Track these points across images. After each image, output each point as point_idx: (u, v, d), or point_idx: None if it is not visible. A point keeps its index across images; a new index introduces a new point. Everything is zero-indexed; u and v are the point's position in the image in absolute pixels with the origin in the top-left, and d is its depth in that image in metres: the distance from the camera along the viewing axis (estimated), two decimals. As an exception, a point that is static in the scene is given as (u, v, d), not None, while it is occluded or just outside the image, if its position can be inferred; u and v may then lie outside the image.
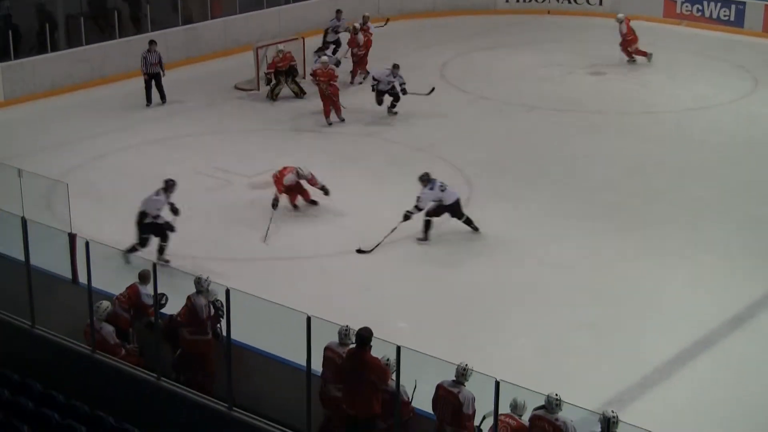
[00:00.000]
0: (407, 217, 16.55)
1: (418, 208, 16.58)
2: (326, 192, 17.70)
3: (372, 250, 16.39)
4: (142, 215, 15.83)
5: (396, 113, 22.48)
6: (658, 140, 21.33)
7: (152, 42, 23.19)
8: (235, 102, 23.95)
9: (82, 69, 24.71)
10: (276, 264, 16.06)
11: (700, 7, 30.38)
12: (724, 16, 30.08)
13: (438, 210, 16.80)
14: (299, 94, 23.89)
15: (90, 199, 17.71)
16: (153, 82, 23.34)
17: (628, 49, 26.64)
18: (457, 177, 19.21)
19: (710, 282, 15.63)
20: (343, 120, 22.28)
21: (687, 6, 30.59)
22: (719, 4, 30.13)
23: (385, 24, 26.76)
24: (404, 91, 22.38)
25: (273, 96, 23.79)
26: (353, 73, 25.03)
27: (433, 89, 22.83)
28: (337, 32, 26.39)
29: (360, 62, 25.01)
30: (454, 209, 16.85)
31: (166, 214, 15.94)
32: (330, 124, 22.21)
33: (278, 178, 17.59)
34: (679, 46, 28.50)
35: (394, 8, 30.87)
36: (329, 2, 29.78)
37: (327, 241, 16.77)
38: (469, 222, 16.92)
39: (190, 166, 19.79)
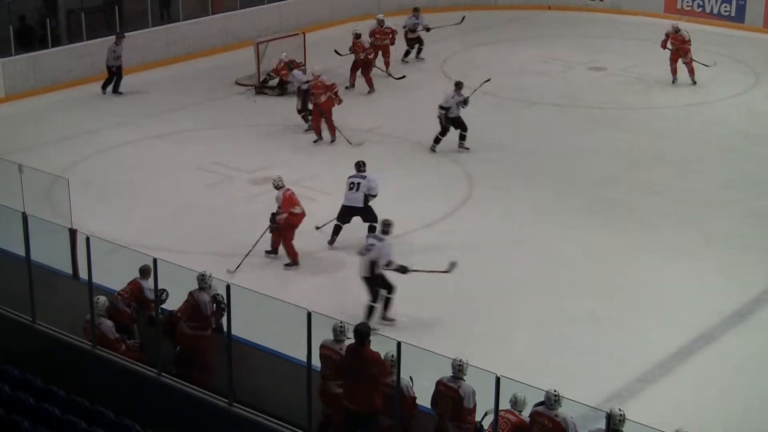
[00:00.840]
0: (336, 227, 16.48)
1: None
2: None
3: (320, 226, 16.62)
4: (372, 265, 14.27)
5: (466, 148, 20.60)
6: (659, 135, 21.33)
7: (120, 35, 23.46)
8: (236, 97, 23.96)
9: (83, 64, 24.70)
10: (276, 260, 16.04)
11: (701, 3, 30.33)
12: (725, 11, 30.04)
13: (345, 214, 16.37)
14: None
15: (91, 195, 17.73)
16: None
17: (683, 60, 24.34)
18: (458, 172, 19.24)
19: (711, 276, 15.63)
20: (332, 140, 20.86)
21: (688, 1, 30.55)
22: (720, 0, 30.11)
23: (461, 21, 26.01)
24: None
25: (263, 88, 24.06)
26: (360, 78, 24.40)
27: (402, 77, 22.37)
28: (414, 31, 26.11)
29: (365, 67, 24.28)
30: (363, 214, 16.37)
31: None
32: (315, 141, 20.90)
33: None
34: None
35: (394, 4, 30.81)
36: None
37: (327, 235, 16.74)
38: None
39: (191, 161, 19.80)
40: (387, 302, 14.29)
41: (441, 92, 20.89)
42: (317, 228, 16.67)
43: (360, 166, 16.71)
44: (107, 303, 12.01)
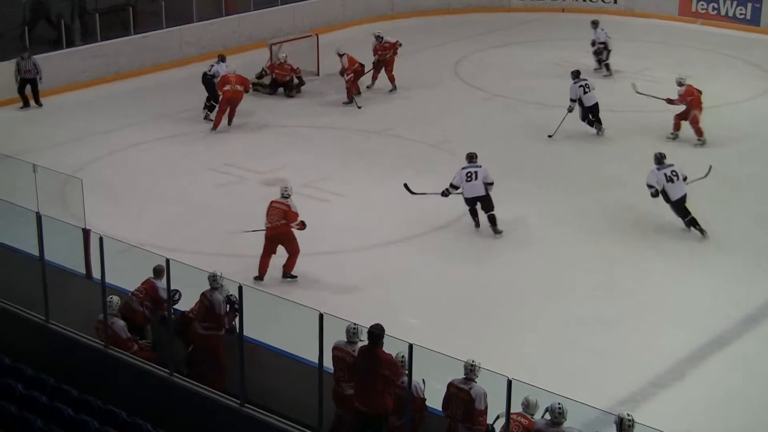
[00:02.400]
0: (444, 194, 17.15)
1: (453, 186, 17.05)
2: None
3: (415, 193, 17.37)
4: None
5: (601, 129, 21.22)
6: (671, 138, 21.26)
7: (26, 52, 22.74)
8: (249, 98, 23.94)
9: (97, 65, 24.77)
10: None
11: (716, 6, 30.25)
12: (740, 14, 29.95)
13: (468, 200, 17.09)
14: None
15: (104, 195, 17.77)
16: (29, 87, 22.82)
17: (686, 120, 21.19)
18: (470, 174, 19.22)
19: (723, 280, 15.59)
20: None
21: (702, 4, 30.47)
22: (735, 3, 30.01)
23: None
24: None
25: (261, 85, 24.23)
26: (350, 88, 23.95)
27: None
28: (594, 45, 25.69)
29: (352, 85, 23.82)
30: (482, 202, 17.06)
31: None
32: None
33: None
34: (694, 44, 28.40)
35: (408, 5, 30.86)
36: (342, -2, 29.92)
37: (339, 237, 16.77)
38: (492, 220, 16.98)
39: (203, 162, 19.84)
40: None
41: (455, 94, 20.91)
42: (410, 191, 17.46)
43: (472, 157, 17.21)
44: (120, 303, 12.05)
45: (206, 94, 22.37)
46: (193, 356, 12.08)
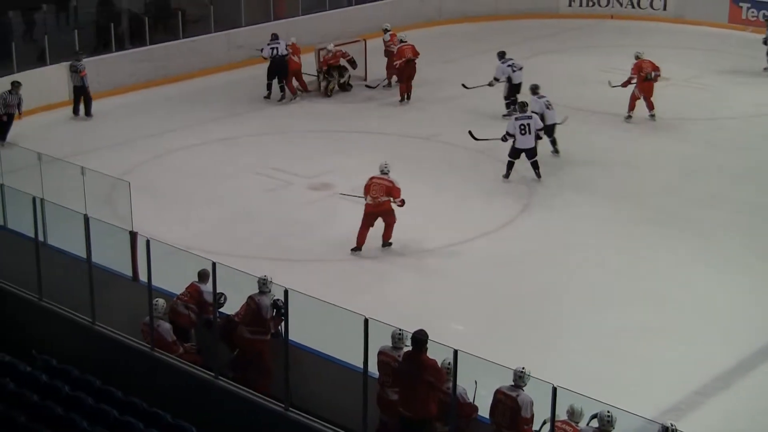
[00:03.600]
0: (504, 139, 18.90)
1: (509, 134, 18.77)
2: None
3: (479, 139, 19.47)
4: None
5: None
6: (719, 146, 21.09)
7: (16, 84, 21.06)
8: (295, 103, 24.04)
9: (145, 68, 24.96)
10: (333, 265, 16.09)
11: (767, 13, 29.95)
12: (792, 22, 29.65)
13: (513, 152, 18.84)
14: (345, 87, 24.55)
15: (151, 198, 17.88)
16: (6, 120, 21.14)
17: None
18: (515, 179, 19.15)
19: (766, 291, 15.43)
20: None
21: (753, 12, 30.19)
22: (786, 9, 29.77)
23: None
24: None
25: (327, 92, 24.33)
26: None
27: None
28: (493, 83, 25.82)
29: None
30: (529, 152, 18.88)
31: None
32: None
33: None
34: (743, 51, 28.12)
35: (456, 11, 30.83)
36: (391, 4, 29.90)
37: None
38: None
39: (250, 167, 19.92)
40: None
41: (498, 99, 20.79)
42: (474, 137, 19.55)
43: (524, 105, 18.99)
44: (166, 305, 12.12)
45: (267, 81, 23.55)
46: (238, 360, 12.12)
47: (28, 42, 24.22)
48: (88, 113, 22.87)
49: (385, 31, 25.28)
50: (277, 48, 23.62)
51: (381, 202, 15.99)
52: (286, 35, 24.52)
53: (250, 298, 11.99)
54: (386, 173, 16.21)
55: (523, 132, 18.51)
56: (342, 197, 17.90)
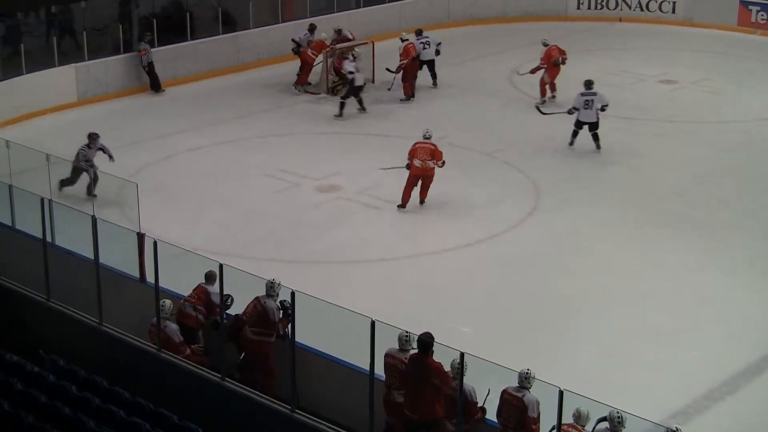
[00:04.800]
0: (570, 112, 20.82)
1: (575, 108, 20.58)
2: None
3: (547, 113, 21.31)
4: None
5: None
6: (729, 149, 21.05)
7: (93, 136, 18.69)
8: (303, 105, 24.07)
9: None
10: (341, 267, 16.10)
11: (778, 16, 29.98)
12: (801, 25, 29.66)
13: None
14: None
15: (159, 199, 17.90)
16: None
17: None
18: (524, 182, 19.15)
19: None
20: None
21: (762, 15, 30.13)
22: (796, 13, 29.73)
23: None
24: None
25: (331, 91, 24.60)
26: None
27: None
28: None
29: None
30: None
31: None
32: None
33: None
34: (752, 54, 28.10)
35: (465, 13, 30.81)
36: (399, 6, 29.89)
37: (392, 245, 16.77)
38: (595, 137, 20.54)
39: (258, 168, 19.93)
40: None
41: (508, 102, 20.88)
42: (541, 112, 21.26)
43: (590, 84, 20.61)
44: (173, 306, 12.13)
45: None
46: (244, 362, 12.12)
47: (36, 43, 24.23)
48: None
49: (402, 40, 25.04)
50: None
51: (428, 167, 17.75)
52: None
53: (257, 299, 11.98)
54: (429, 137, 18.09)
55: (586, 106, 20.33)
56: (382, 171, 19.02)
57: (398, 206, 17.89)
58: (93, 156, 18.44)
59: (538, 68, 23.78)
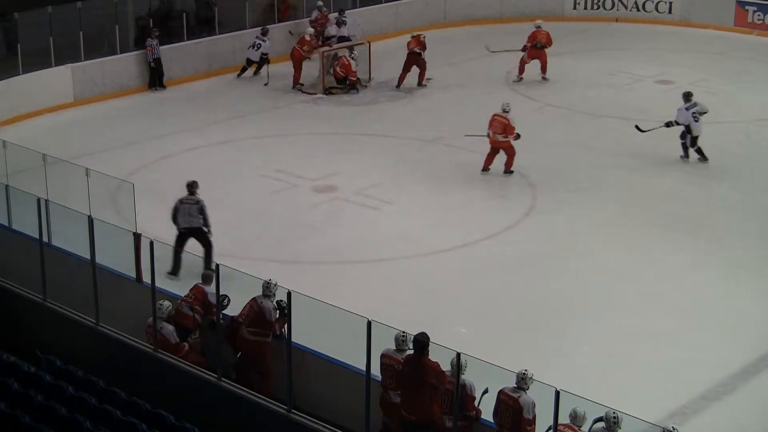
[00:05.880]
0: (668, 125, 20.08)
1: (676, 122, 19.91)
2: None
3: (645, 130, 20.39)
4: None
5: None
6: (727, 150, 21.03)
7: (194, 186, 15.81)
8: (300, 105, 24.05)
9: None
10: (337, 267, 16.08)
11: (775, 17, 30.01)
12: (797, 25, 29.67)
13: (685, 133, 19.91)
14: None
15: (155, 200, 17.85)
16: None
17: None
18: (522, 183, 19.15)
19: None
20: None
21: (759, 15, 30.14)
22: (791, 13, 29.75)
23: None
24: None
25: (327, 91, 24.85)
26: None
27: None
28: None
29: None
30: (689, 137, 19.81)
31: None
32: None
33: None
34: (749, 55, 28.12)
35: (461, 14, 30.79)
36: (396, 6, 29.88)
37: (390, 245, 16.76)
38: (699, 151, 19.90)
39: (254, 168, 19.91)
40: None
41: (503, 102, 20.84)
42: (641, 130, 20.57)
43: (689, 96, 20.07)
44: (171, 307, 12.11)
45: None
46: (241, 362, 12.11)
47: (33, 43, 24.16)
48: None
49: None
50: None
51: (497, 139, 19.03)
52: (293, 40, 24.92)
53: (253, 300, 11.98)
54: (507, 111, 19.10)
55: (695, 119, 19.72)
56: (468, 137, 20.34)
57: (481, 170, 19.37)
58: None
59: (523, 48, 25.26)
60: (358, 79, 24.70)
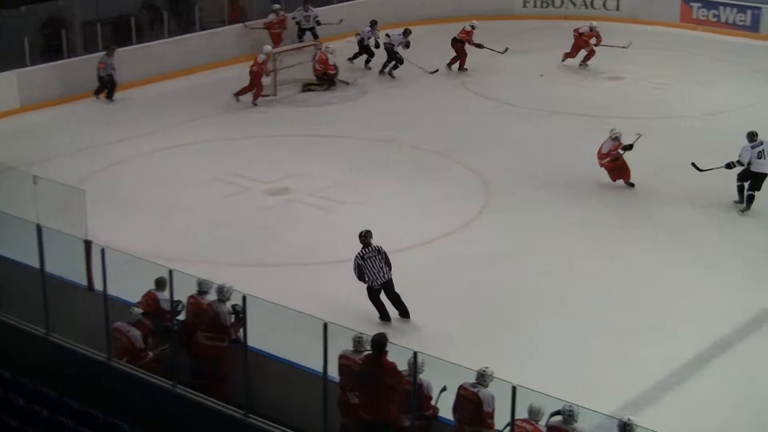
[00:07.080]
0: (729, 166, 18.01)
1: (739, 162, 17.88)
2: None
3: (703, 170, 18.40)
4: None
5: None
6: (679, 145, 21.14)
7: (368, 236, 14.73)
8: (254, 108, 23.90)
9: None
10: (292, 270, 15.99)
11: (717, 12, 30.34)
12: (741, 21, 30.03)
13: (745, 174, 17.91)
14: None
15: (107, 206, 17.66)
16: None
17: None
18: (477, 182, 19.15)
19: (736, 286, 15.55)
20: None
21: (703, 11, 30.52)
22: (735, 9, 30.12)
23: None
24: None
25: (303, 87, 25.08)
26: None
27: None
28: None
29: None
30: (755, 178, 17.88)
31: None
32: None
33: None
34: (696, 51, 28.41)
35: (414, 14, 30.75)
36: (348, 6, 29.81)
37: (345, 246, 16.64)
38: (750, 199, 17.91)
39: (209, 172, 19.75)
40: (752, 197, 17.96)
41: (462, 102, 20.87)
42: (698, 169, 18.52)
43: (754, 135, 17.92)
44: (140, 314, 11.98)
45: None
46: (197, 367, 12.00)
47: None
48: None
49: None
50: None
51: (605, 163, 18.82)
52: (245, 42, 24.70)
53: (208, 304, 11.88)
54: (616, 137, 18.71)
55: (760, 157, 17.70)
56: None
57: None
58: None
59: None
60: (336, 71, 24.66)
